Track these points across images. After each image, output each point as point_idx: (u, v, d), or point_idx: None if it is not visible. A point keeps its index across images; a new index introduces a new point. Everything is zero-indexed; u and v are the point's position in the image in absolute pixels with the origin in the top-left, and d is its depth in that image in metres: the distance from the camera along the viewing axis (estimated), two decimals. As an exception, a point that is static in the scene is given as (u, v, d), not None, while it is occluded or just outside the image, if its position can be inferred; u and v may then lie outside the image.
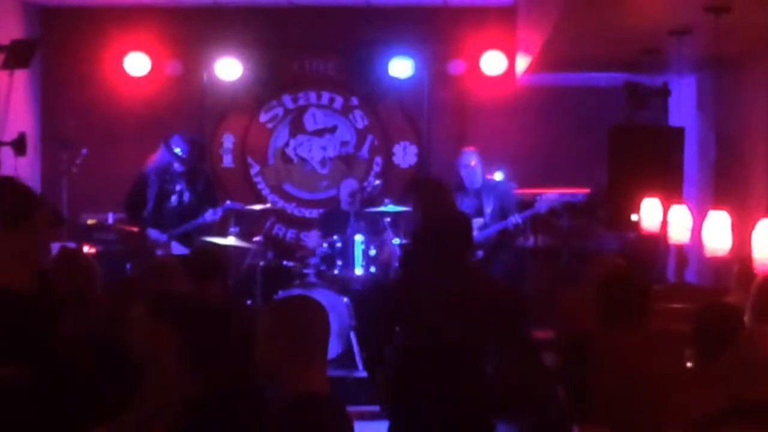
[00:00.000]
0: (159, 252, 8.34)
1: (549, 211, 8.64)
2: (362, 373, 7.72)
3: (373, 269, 8.90)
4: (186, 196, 8.48)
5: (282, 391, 3.34)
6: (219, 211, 8.44)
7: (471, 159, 8.67)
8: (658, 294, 6.24)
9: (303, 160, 11.10)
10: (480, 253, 8.61)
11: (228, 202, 8.90)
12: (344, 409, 3.44)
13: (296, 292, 8.67)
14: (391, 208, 9.37)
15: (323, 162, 11.10)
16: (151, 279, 5.04)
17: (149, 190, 8.46)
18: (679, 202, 6.44)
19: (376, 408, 5.58)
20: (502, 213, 8.58)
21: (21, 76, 9.46)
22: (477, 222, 8.61)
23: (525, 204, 8.81)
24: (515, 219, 8.51)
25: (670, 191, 6.92)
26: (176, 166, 8.43)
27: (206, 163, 8.68)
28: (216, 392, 3.38)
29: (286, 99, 11.07)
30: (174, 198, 8.48)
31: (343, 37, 10.86)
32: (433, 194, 6.66)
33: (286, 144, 11.11)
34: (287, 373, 3.34)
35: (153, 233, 8.46)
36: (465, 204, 8.66)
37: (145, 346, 3.40)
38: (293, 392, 3.31)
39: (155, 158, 8.56)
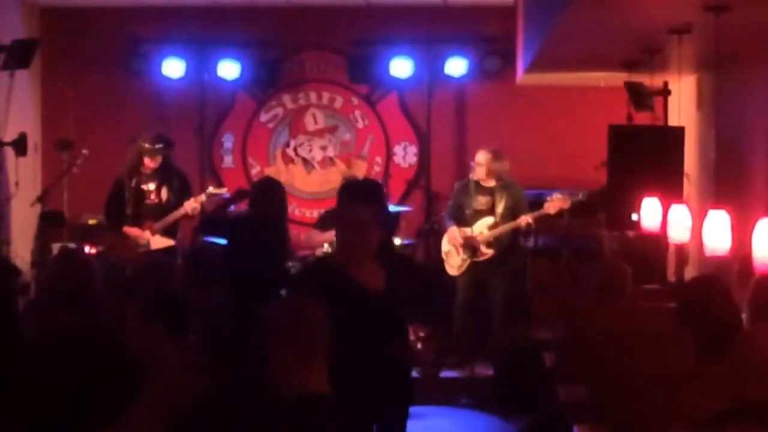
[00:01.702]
0: (141, 248, 8.40)
1: (558, 212, 8.64)
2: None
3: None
4: (163, 193, 8.49)
5: (282, 391, 3.35)
6: (202, 197, 8.44)
7: (482, 158, 8.65)
8: (658, 293, 6.25)
9: (303, 160, 11.11)
10: (490, 252, 8.60)
11: (210, 188, 8.88)
12: (344, 409, 3.44)
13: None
14: (391, 207, 9.36)
15: (324, 162, 11.10)
16: (149, 279, 5.04)
17: (126, 194, 8.46)
18: (679, 202, 6.44)
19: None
20: (513, 213, 8.57)
21: (21, 76, 9.46)
22: (487, 221, 8.60)
23: (530, 204, 8.81)
24: (526, 219, 8.51)
25: (670, 190, 6.91)
26: (147, 161, 8.45)
27: (173, 151, 8.77)
28: (220, 392, 3.38)
29: (287, 99, 11.08)
30: (153, 196, 8.50)
31: (343, 36, 10.87)
32: (263, 196, 7.07)
33: (287, 144, 11.11)
34: (287, 373, 3.34)
35: (133, 231, 8.46)
36: (480, 202, 8.65)
37: (139, 346, 3.41)
38: (293, 392, 3.31)
39: (127, 161, 8.60)
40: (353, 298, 4.84)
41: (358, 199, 6.51)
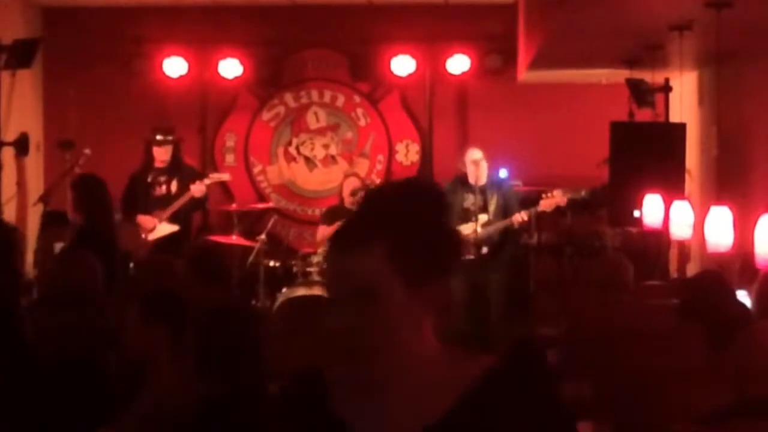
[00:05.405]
0: (149, 235, 8.71)
1: (555, 209, 8.64)
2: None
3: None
4: (173, 186, 8.82)
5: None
6: (207, 180, 8.73)
7: (477, 156, 8.65)
8: (661, 290, 6.25)
9: (306, 158, 11.10)
10: (484, 250, 8.60)
11: (213, 174, 9.13)
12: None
13: (299, 290, 8.71)
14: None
15: (325, 160, 11.10)
16: (151, 279, 5.05)
17: (138, 189, 8.84)
18: (681, 198, 6.44)
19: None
20: (505, 210, 8.57)
21: (23, 76, 9.46)
22: (481, 219, 8.59)
23: (529, 201, 8.80)
24: (521, 216, 8.51)
25: (672, 187, 6.91)
26: (156, 153, 8.82)
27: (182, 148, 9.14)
28: (222, 392, 3.39)
29: (288, 97, 11.08)
30: (163, 188, 8.83)
31: (345, 34, 10.86)
32: (93, 195, 7.21)
33: (289, 142, 11.11)
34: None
35: (143, 219, 8.78)
36: (469, 200, 8.64)
37: (139, 346, 3.41)
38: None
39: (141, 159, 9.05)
40: None
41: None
